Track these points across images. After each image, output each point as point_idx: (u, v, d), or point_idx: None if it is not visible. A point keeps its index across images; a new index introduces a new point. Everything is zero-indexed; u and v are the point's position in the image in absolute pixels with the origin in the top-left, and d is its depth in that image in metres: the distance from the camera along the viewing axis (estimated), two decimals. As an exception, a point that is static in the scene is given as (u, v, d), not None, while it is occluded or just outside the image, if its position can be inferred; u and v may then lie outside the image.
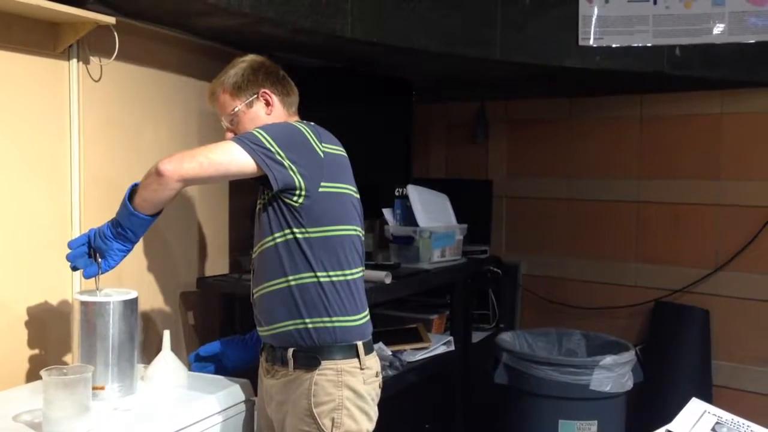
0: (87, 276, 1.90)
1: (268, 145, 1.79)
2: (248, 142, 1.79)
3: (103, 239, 1.86)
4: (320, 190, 1.85)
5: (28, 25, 2.03)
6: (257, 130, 1.84)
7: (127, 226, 1.84)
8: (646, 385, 3.24)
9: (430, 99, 4.08)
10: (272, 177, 1.79)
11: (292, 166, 1.80)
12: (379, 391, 1.97)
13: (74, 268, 1.91)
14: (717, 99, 3.51)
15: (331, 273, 1.86)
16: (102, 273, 1.88)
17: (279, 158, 1.79)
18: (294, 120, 2.03)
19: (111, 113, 2.32)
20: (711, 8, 3.12)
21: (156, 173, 1.77)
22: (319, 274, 1.85)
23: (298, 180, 1.81)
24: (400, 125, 3.53)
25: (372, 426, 1.92)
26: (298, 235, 1.84)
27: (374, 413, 1.93)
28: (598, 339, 3.41)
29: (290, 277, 1.85)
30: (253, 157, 1.78)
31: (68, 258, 1.88)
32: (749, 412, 1.63)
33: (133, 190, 1.85)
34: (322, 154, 1.87)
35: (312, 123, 1.96)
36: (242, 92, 1.98)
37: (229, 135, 1.98)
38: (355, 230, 1.94)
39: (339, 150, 1.95)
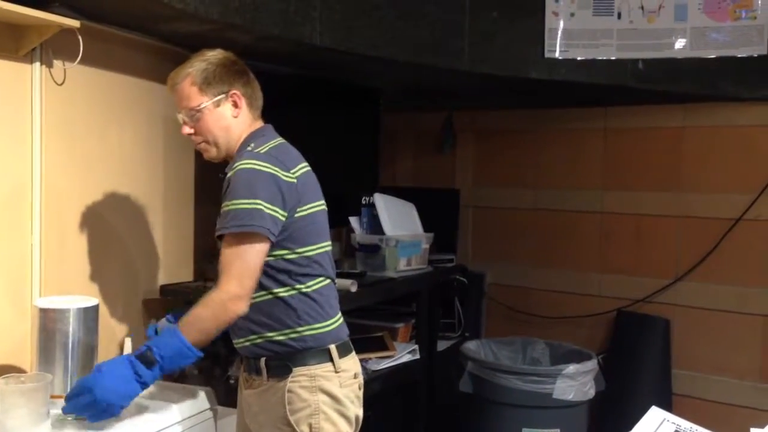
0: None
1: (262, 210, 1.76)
2: (246, 226, 1.74)
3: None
4: (295, 215, 1.84)
5: (-10, 27, 2.00)
6: (240, 201, 1.76)
7: (176, 365, 1.75)
8: (607, 393, 3.28)
9: (398, 108, 4.09)
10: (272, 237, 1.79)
11: (281, 214, 1.80)
12: (359, 392, 1.96)
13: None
14: (679, 112, 3.57)
15: (300, 286, 1.85)
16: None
17: (273, 215, 1.78)
18: (258, 125, 1.96)
19: (74, 117, 2.29)
20: (673, 23, 3.18)
21: (229, 316, 1.74)
22: (286, 288, 1.85)
23: (281, 225, 1.81)
24: (368, 133, 3.54)
25: (351, 428, 1.91)
26: (269, 258, 1.82)
27: (354, 415, 1.92)
28: (561, 348, 3.45)
29: (263, 292, 1.84)
30: (262, 237, 1.76)
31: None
32: (708, 420, 1.65)
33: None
34: (295, 181, 1.84)
35: (273, 146, 1.88)
36: (211, 88, 1.88)
37: (186, 130, 1.91)
38: (326, 246, 1.94)
39: (304, 167, 1.91)
